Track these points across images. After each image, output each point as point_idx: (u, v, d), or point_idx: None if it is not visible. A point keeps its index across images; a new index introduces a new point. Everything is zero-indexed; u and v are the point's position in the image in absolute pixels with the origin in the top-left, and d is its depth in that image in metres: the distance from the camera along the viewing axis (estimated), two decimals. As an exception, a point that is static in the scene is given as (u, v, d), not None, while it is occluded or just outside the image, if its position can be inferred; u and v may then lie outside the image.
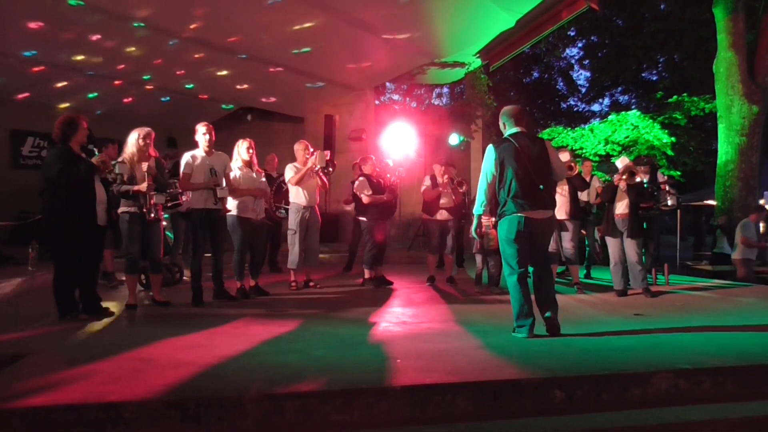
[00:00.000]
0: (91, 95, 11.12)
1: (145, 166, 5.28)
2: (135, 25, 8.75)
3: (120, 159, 5.26)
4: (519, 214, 4.31)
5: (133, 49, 9.57)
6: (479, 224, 4.75)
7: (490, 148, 4.50)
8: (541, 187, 4.38)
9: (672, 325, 4.79)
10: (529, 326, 4.28)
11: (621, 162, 6.58)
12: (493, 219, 6.73)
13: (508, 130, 4.58)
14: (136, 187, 5.21)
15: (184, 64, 10.51)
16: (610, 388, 3.20)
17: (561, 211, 6.92)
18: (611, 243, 6.63)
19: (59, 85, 10.50)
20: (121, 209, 5.30)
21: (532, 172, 4.36)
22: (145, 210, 5.26)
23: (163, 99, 11.89)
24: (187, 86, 11.53)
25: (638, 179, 6.48)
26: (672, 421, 2.98)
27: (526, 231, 4.32)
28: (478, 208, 4.59)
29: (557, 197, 6.99)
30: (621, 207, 6.51)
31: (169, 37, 9.45)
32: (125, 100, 11.55)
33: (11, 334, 4.27)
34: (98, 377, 3.14)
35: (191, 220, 5.89)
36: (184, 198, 6.07)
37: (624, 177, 6.42)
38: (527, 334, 4.26)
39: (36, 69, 9.85)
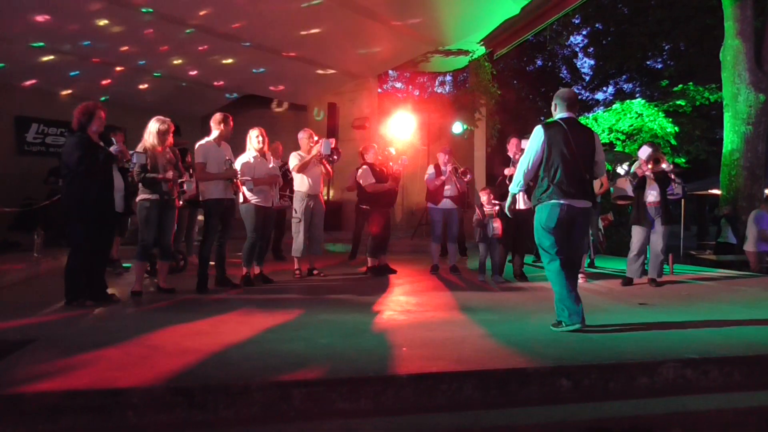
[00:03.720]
0: (102, 81, 11.09)
1: (168, 154, 5.34)
2: (144, 11, 8.70)
3: (140, 148, 5.29)
4: (562, 202, 4.11)
5: (138, 36, 9.53)
6: (511, 204, 4.54)
7: (538, 128, 4.25)
8: (587, 176, 4.22)
9: (678, 314, 4.79)
10: (579, 315, 4.02)
11: (644, 152, 6.55)
12: (497, 208, 6.75)
13: (559, 113, 4.36)
14: (161, 176, 5.28)
15: (189, 51, 10.46)
16: (617, 377, 3.20)
17: None
18: (638, 232, 6.53)
19: (64, 71, 10.46)
20: (140, 197, 5.34)
21: (579, 160, 4.17)
22: (174, 196, 5.36)
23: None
24: (191, 73, 11.49)
25: (663, 166, 6.46)
26: (679, 410, 2.98)
27: (567, 220, 4.13)
28: (514, 188, 4.37)
29: None
30: (653, 195, 6.46)
31: (175, 25, 9.40)
32: (130, 87, 11.50)
33: (18, 320, 4.28)
34: (105, 363, 3.15)
35: (205, 209, 5.90)
36: (186, 186, 6.07)
37: (650, 166, 6.41)
38: (580, 325, 4.01)
39: (42, 56, 9.81)
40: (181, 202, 5.42)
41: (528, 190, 4.66)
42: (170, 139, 5.48)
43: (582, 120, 15.05)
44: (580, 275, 6.84)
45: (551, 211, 4.15)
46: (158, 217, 5.38)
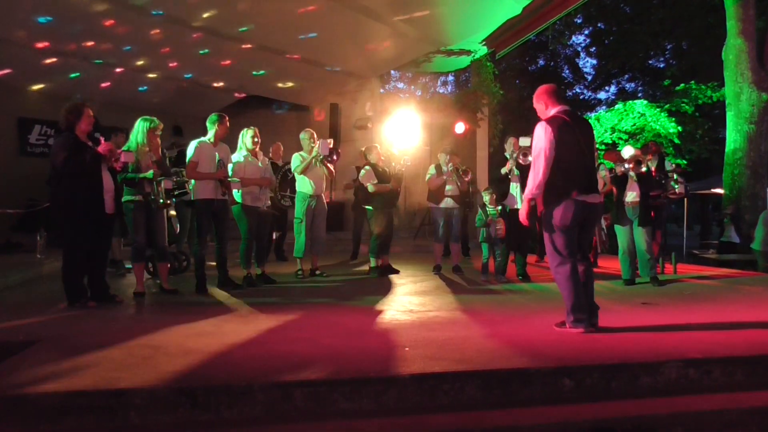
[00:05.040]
0: (101, 84, 11.12)
1: (150, 154, 5.30)
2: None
3: (126, 148, 5.25)
4: (577, 199, 3.96)
5: (140, 38, 9.55)
6: (527, 210, 4.23)
7: (543, 125, 4.03)
8: (594, 169, 4.14)
9: (680, 314, 4.78)
10: (586, 320, 3.99)
11: (627, 152, 6.57)
12: (500, 207, 6.75)
13: (553, 108, 4.16)
14: (142, 175, 5.23)
15: (191, 53, 10.47)
16: (619, 376, 3.20)
17: None
18: (621, 231, 6.60)
19: (67, 73, 10.48)
20: (125, 198, 5.30)
21: (588, 153, 4.06)
22: (153, 197, 5.27)
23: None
24: (186, 76, 11.50)
25: (644, 168, 6.45)
26: (682, 410, 2.98)
27: (581, 217, 4.00)
28: (533, 191, 4.06)
29: None
30: (632, 195, 6.48)
31: (178, 26, 9.41)
32: (132, 89, 11.52)
33: (21, 321, 4.29)
34: (108, 364, 3.15)
35: (195, 209, 5.89)
36: (165, 185, 6.05)
37: (630, 166, 6.40)
38: (585, 329, 3.98)
39: (45, 59, 9.83)
40: (161, 202, 5.34)
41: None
42: (157, 140, 5.44)
43: (584, 119, 15.04)
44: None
45: (566, 209, 3.98)
46: (146, 219, 5.36)
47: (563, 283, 4.04)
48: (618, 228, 6.63)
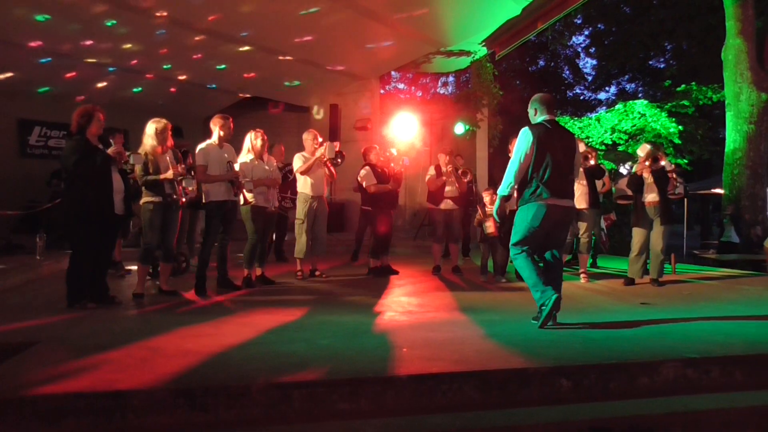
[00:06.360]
0: (99, 84, 11.12)
1: (168, 155, 5.35)
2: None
3: (139, 150, 5.29)
4: (548, 202, 4.22)
5: (140, 38, 9.57)
6: (500, 207, 4.55)
7: (525, 130, 4.35)
8: (571, 177, 4.40)
9: (679, 314, 4.78)
10: (550, 289, 4.12)
11: (642, 150, 6.54)
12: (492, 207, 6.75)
13: (540, 116, 4.47)
14: (163, 176, 5.27)
15: (191, 53, 10.48)
16: (617, 377, 3.19)
17: (581, 201, 6.86)
18: (638, 233, 6.53)
19: (66, 75, 10.49)
20: (144, 199, 5.32)
21: (565, 160, 4.32)
22: (175, 197, 5.34)
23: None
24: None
25: (663, 163, 6.42)
26: (680, 410, 2.97)
27: (551, 219, 4.25)
28: (504, 189, 4.37)
29: (577, 187, 6.99)
30: (651, 195, 6.44)
31: (177, 27, 9.42)
32: (132, 89, 11.53)
33: (20, 323, 4.28)
34: (107, 366, 3.15)
35: (207, 211, 5.90)
36: (191, 188, 6.08)
37: (647, 163, 6.38)
38: (556, 295, 4.10)
39: (43, 60, 9.84)
40: (183, 200, 5.40)
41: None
42: (170, 141, 5.47)
43: (584, 120, 15.06)
44: (582, 275, 6.86)
45: (537, 211, 4.25)
46: (162, 220, 5.38)
47: (524, 268, 4.31)
48: (636, 230, 6.56)
